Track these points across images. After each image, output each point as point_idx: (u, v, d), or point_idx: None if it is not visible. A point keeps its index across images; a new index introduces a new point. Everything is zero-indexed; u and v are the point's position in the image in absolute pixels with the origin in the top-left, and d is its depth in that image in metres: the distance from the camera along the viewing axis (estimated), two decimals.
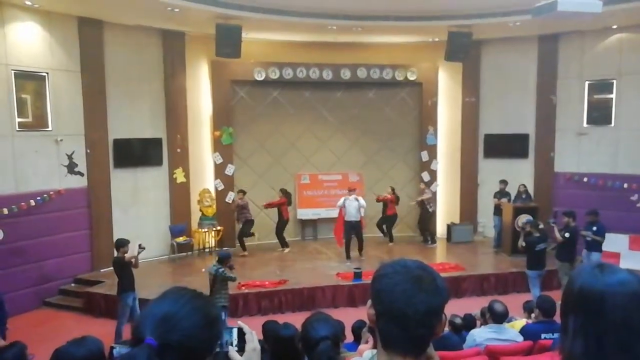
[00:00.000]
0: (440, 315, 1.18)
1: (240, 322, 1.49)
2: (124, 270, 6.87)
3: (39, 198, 8.53)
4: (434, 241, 11.39)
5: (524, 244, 8.05)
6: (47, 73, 8.72)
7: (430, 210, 11.32)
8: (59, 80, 8.87)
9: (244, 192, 10.66)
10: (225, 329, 1.43)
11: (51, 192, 8.73)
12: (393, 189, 11.13)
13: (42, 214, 8.60)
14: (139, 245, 6.89)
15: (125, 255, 6.84)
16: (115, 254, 6.99)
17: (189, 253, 10.65)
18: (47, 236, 8.70)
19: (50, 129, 8.81)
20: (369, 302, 1.23)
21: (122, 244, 6.94)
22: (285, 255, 10.62)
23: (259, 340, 1.54)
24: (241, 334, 1.48)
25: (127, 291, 6.88)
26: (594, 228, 8.37)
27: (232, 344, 1.44)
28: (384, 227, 11.37)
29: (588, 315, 1.16)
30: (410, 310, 1.14)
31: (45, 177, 8.74)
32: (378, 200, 11.15)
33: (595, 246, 8.37)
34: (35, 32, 8.54)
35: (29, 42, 8.47)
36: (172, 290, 1.22)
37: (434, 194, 11.87)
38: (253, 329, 1.51)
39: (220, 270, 6.65)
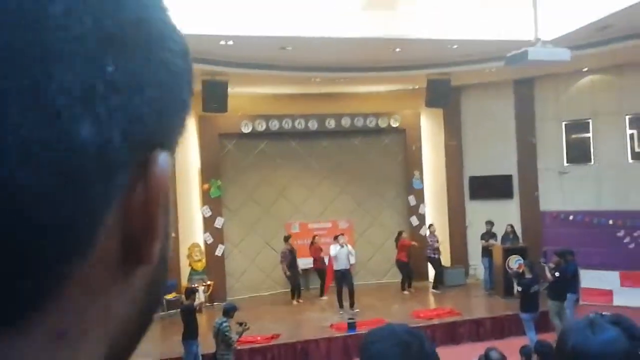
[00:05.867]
0: None
1: None
2: (191, 317, 7.31)
3: None
4: (437, 288, 11.17)
5: (520, 289, 7.94)
6: None
7: (436, 257, 11.19)
8: None
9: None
10: None
11: None
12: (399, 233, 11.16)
13: None
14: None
15: (194, 302, 7.52)
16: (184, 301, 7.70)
17: (179, 310, 10.38)
18: None
19: None
20: None
21: (192, 291, 7.79)
22: (277, 307, 10.42)
23: None
24: None
25: (192, 339, 7.27)
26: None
27: None
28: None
29: None
30: None
31: None
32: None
33: (569, 287, 8.40)
34: None
35: None
36: None
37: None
38: None
39: (224, 324, 6.54)
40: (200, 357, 7.35)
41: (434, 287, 11.22)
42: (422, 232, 11.93)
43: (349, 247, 9.92)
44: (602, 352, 1.16)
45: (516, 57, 6.22)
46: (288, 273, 10.37)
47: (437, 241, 11.20)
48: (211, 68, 9.17)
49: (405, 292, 10.97)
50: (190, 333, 7.24)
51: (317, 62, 9.79)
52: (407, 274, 11.00)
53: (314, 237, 11.01)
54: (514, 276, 8.30)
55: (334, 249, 9.73)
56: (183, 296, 7.93)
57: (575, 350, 1.19)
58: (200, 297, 8.21)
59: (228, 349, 6.63)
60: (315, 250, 10.86)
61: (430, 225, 11.46)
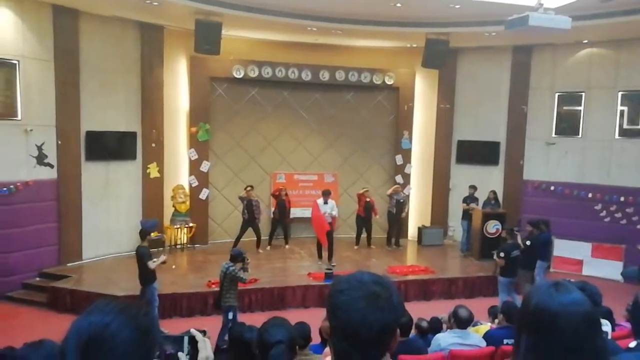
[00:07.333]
0: (394, 332, 1.19)
1: (193, 330, 1.42)
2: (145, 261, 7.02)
3: (4, 189, 8.31)
4: (397, 245, 11.37)
5: (502, 255, 7.96)
6: (19, 61, 8.49)
7: (393, 212, 11.30)
8: (30, 69, 8.65)
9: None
10: (176, 338, 1.37)
11: (18, 184, 8.51)
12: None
13: (7, 206, 8.38)
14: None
15: (154, 261, 7.00)
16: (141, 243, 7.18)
17: (160, 249, 10.51)
18: (12, 228, 8.48)
19: (19, 118, 8.58)
20: (325, 315, 1.22)
21: (147, 233, 7.26)
22: (258, 254, 10.59)
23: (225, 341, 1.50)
24: (193, 342, 1.39)
25: (150, 283, 7.05)
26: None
27: (182, 352, 1.36)
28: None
29: (540, 334, 1.20)
30: (364, 329, 1.13)
31: (13, 167, 8.51)
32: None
33: (540, 255, 8.62)
34: (6, 18, 8.30)
35: (0, 28, 8.24)
36: (96, 305, 1.12)
37: (407, 197, 11.94)
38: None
39: (231, 268, 6.65)
40: (157, 299, 7.24)
41: (387, 243, 11.32)
42: (405, 191, 12.05)
43: (332, 202, 9.96)
44: (563, 311, 1.18)
45: (517, 21, 6.11)
46: (245, 216, 10.37)
47: (401, 200, 11.21)
48: (206, 7, 8.86)
49: (372, 247, 11.12)
50: (146, 278, 7.04)
51: (315, 11, 9.51)
52: (358, 229, 11.13)
53: (279, 190, 10.93)
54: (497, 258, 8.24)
55: (321, 207, 9.66)
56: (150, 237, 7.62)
57: (537, 307, 1.21)
58: (163, 255, 7.44)
59: (232, 292, 6.72)
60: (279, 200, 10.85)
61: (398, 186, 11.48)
